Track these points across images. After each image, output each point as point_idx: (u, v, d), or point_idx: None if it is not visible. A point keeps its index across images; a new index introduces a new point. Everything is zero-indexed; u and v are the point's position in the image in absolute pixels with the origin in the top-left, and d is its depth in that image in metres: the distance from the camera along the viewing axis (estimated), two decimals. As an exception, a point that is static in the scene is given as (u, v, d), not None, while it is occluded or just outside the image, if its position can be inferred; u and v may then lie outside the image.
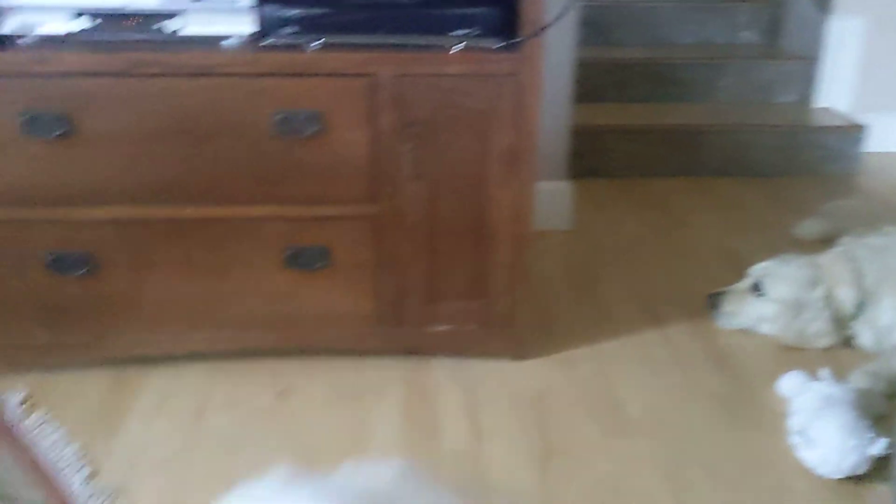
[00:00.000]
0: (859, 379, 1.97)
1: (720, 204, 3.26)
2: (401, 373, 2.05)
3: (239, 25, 1.80)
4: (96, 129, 1.76)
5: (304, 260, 1.93)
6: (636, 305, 2.44)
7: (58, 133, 1.75)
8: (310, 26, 1.78)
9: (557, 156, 2.89)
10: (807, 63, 3.84)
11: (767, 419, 1.89)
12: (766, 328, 2.26)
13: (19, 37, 1.77)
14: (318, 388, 1.99)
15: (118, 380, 2.02)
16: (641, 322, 2.35)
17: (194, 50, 1.73)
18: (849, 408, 1.72)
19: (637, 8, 4.06)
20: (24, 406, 1.92)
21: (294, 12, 1.77)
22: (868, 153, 3.90)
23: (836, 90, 3.85)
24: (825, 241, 2.72)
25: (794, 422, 1.78)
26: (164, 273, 1.92)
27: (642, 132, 3.52)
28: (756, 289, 2.28)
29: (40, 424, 1.86)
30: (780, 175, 3.59)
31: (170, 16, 1.78)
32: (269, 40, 1.79)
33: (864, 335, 2.19)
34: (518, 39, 1.74)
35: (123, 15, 1.76)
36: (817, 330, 2.18)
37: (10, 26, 1.76)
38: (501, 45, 1.76)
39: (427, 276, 1.97)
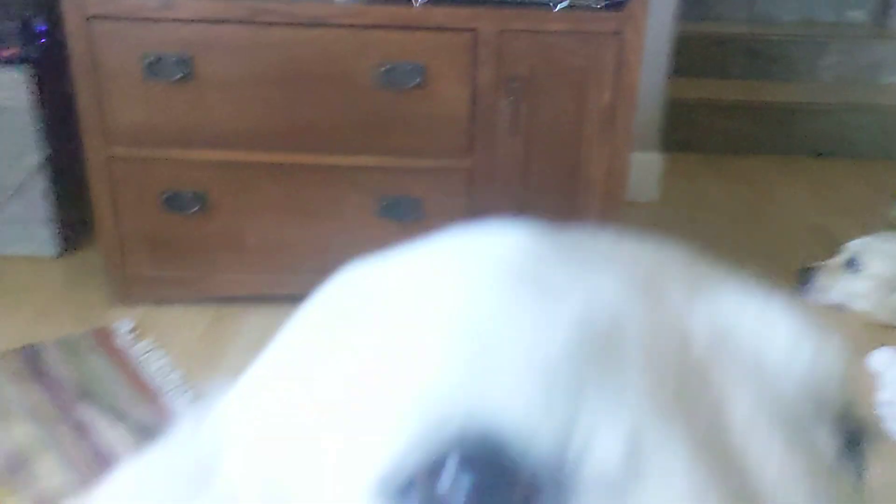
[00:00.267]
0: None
1: (814, 183, 3.20)
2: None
3: (350, -21, 1.87)
4: (214, 74, 1.86)
5: (398, 211, 1.99)
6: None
7: (178, 77, 1.86)
8: (418, -19, 1.83)
9: (650, 127, 2.89)
10: (916, 44, 3.71)
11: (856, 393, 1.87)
12: (858, 304, 2.23)
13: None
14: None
15: (220, 315, 2.13)
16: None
17: (310, 1, 1.81)
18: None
19: (739, -17, 3.98)
20: (133, 334, 2.05)
21: (403, -33, 1.83)
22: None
23: (947, 73, 3.71)
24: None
25: (883, 395, 1.76)
26: (267, 216, 2.01)
27: (737, 108, 3.47)
28: (851, 265, 2.24)
29: (148, 352, 1.99)
30: (881, 157, 3.49)
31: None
32: (378, -7, 1.85)
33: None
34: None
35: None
36: (912, 308, 2.14)
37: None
38: (606, 3, 1.78)
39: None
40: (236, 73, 1.85)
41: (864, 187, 3.19)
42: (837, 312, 2.25)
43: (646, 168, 2.93)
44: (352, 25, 1.80)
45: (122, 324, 2.07)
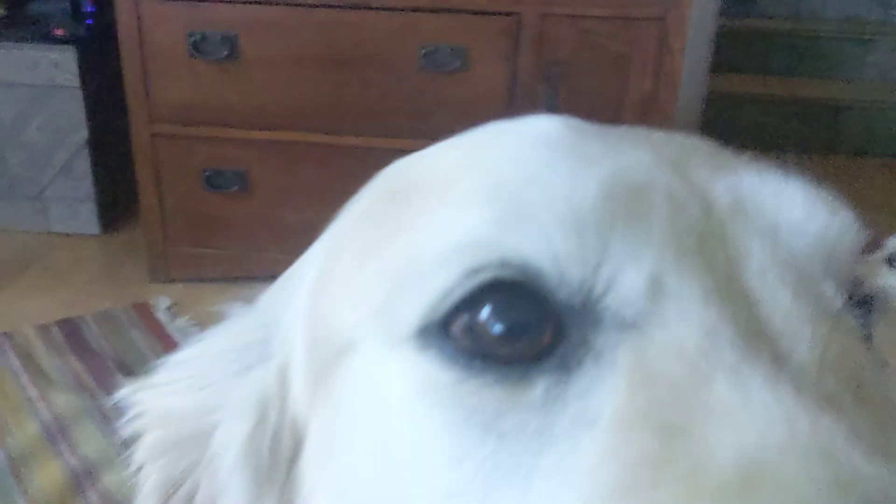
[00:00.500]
0: None
1: (855, 182, 3.15)
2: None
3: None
4: (257, 53, 1.88)
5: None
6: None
7: (222, 55, 1.88)
8: (461, -35, 1.84)
9: (691, 121, 2.86)
10: (966, 43, 3.63)
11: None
12: (899, 301, 2.19)
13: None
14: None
15: (257, 294, 2.16)
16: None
17: (353, -18, 1.83)
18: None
19: (784, -21, 3.93)
20: (171, 310, 2.09)
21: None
22: None
23: None
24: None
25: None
26: (306, 196, 2.03)
27: (780, 105, 3.43)
28: (892, 261, 2.21)
29: (185, 328, 2.02)
30: (927, 158, 3.43)
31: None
32: (422, -24, 1.86)
33: None
34: (666, -16, 1.75)
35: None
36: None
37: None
38: (650, -12, 1.78)
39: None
40: (280, 53, 1.87)
41: (908, 187, 3.13)
42: (878, 309, 2.21)
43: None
44: (395, 8, 1.81)
45: (161, 300, 2.11)
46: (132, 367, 1.86)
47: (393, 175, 0.41)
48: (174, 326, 2.02)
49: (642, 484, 0.27)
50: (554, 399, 0.30)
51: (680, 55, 1.78)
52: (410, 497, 0.32)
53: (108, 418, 1.68)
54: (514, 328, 0.31)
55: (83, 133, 2.34)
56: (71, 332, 1.98)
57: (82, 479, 1.54)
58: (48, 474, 1.56)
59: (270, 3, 1.83)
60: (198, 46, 1.87)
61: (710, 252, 0.32)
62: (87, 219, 2.43)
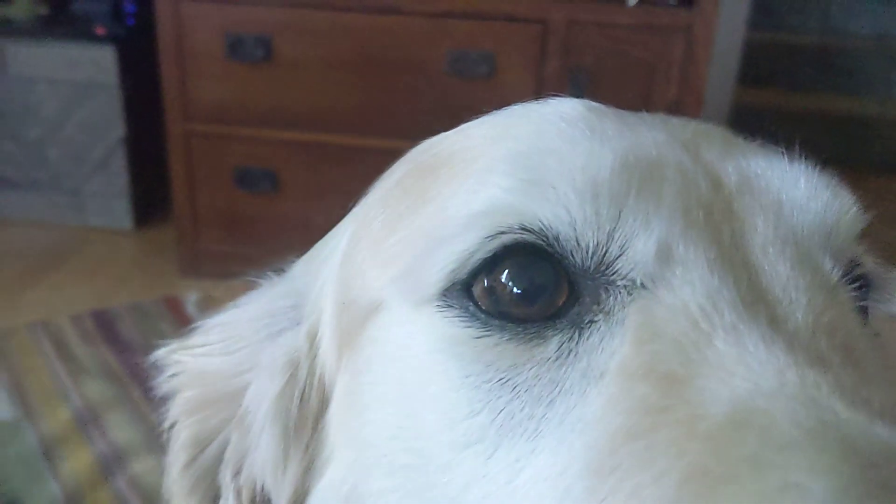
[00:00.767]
0: None
1: (883, 199, 3.13)
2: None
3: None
4: (291, 56, 1.93)
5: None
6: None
7: (258, 57, 1.93)
8: (491, -27, 1.88)
9: (716, 131, 2.88)
10: None
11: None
12: (921, 316, 2.19)
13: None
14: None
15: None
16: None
17: (385, -13, 1.87)
18: None
19: (814, -7, 3.93)
20: (200, 305, 2.13)
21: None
22: None
23: None
24: None
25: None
26: (335, 197, 2.07)
27: (807, 120, 3.42)
28: None
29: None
30: (955, 175, 3.40)
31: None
32: (453, -16, 1.91)
33: None
34: (694, -5, 1.77)
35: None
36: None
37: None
38: (678, 0, 1.80)
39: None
40: (312, 56, 1.92)
41: (935, 203, 3.12)
42: (900, 323, 2.21)
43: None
44: (425, 13, 1.85)
45: (191, 294, 2.16)
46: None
47: (423, 150, 0.44)
48: (202, 320, 2.07)
49: (642, 429, 0.29)
50: (566, 355, 0.33)
51: (705, 65, 1.80)
52: (429, 446, 0.35)
53: (137, 407, 1.73)
54: (532, 289, 0.34)
55: (120, 130, 2.40)
56: (103, 323, 2.03)
57: (112, 464, 1.59)
58: (79, 459, 1.60)
59: (305, 7, 1.88)
60: (234, 48, 1.93)
61: (717, 224, 0.35)
62: (121, 214, 2.49)
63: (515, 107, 0.42)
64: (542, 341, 0.34)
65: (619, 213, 0.34)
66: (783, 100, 3.56)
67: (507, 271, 0.34)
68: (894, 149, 3.41)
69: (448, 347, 0.35)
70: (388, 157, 1.90)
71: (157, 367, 0.47)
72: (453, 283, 0.35)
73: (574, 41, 1.84)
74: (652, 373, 0.31)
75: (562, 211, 0.34)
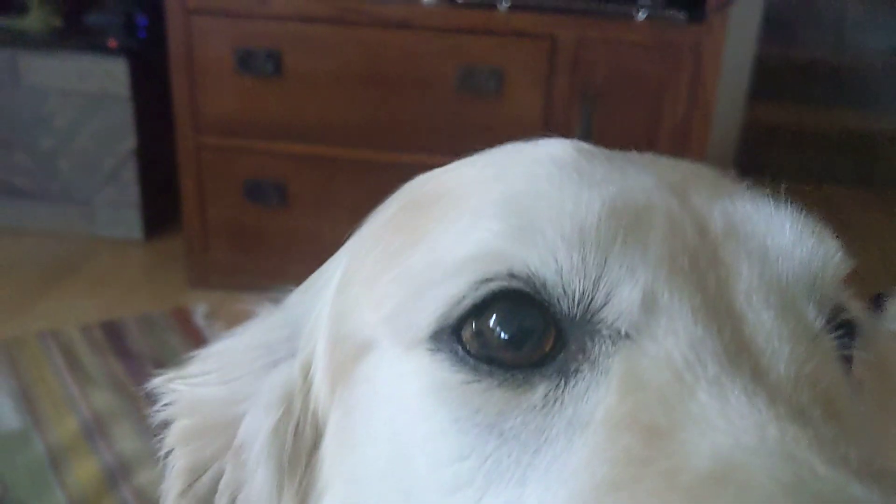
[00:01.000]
0: None
1: (893, 215, 3.12)
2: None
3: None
4: (301, 70, 1.94)
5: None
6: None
7: (268, 71, 1.95)
8: (500, -11, 1.89)
9: (727, 149, 2.87)
10: None
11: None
12: (932, 335, 2.18)
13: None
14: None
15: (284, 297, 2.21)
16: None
17: (396, 3, 1.88)
18: None
19: (826, 9, 3.92)
20: (209, 317, 2.14)
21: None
22: None
23: None
24: None
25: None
26: (343, 211, 2.08)
27: (819, 136, 3.41)
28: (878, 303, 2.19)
29: (221, 334, 2.07)
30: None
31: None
32: (463, -1, 1.92)
33: None
34: (704, 12, 1.77)
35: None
36: None
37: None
38: (687, 16, 1.80)
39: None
40: (322, 70, 1.93)
41: (948, 221, 3.10)
42: (910, 342, 2.19)
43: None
44: (435, 28, 1.86)
45: (200, 306, 2.17)
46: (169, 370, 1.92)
47: (415, 187, 0.44)
48: (211, 332, 2.08)
49: (625, 480, 0.30)
50: (552, 402, 0.34)
51: (714, 83, 1.80)
52: (418, 488, 0.36)
53: (144, 417, 1.73)
54: (519, 335, 0.35)
55: (131, 142, 2.42)
56: (112, 334, 2.04)
57: (117, 475, 1.60)
58: (85, 469, 1.61)
59: (315, 22, 1.89)
60: (244, 62, 1.94)
61: (702, 271, 0.35)
62: (131, 225, 2.51)
63: (507, 147, 0.42)
64: (529, 388, 0.34)
65: (606, 260, 0.35)
66: (795, 116, 3.55)
67: (495, 316, 0.35)
68: (906, 165, 3.39)
69: (438, 391, 0.35)
70: (396, 171, 1.91)
71: (155, 395, 0.47)
72: (443, 327, 0.36)
73: (583, 58, 1.84)
74: (636, 424, 0.31)
75: (549, 258, 0.35)
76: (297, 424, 0.43)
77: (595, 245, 0.35)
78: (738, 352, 0.33)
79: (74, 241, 2.49)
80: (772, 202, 0.40)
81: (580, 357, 0.34)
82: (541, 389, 0.34)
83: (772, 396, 0.31)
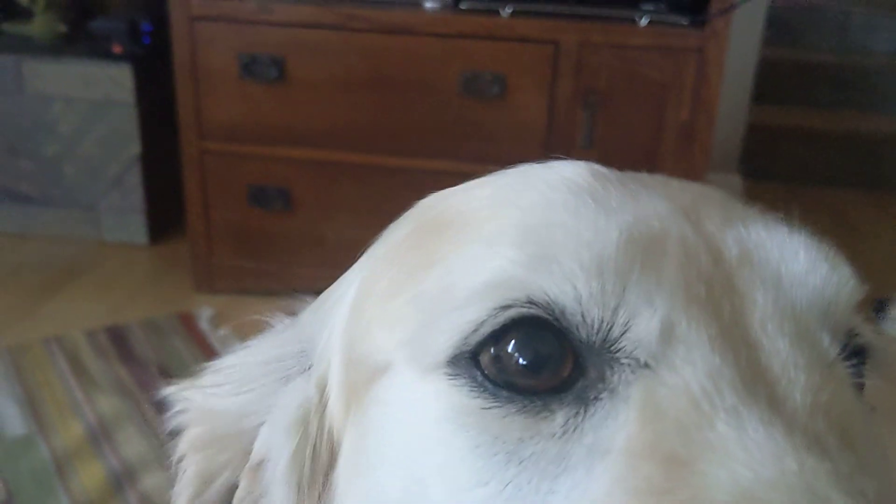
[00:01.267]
0: None
1: (900, 217, 3.12)
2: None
3: (438, -10, 1.94)
4: (304, 76, 1.95)
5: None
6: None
7: (272, 77, 1.95)
8: (504, -7, 1.89)
9: (731, 151, 2.87)
10: None
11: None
12: (937, 338, 2.17)
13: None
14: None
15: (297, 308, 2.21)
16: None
17: (399, 9, 1.88)
18: None
19: (829, 11, 3.92)
20: (214, 321, 2.15)
21: (490, -20, 1.89)
22: None
23: None
24: None
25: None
26: (346, 214, 2.09)
27: (823, 138, 3.41)
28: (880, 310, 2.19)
29: (226, 338, 2.08)
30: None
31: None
32: (465, 4, 1.92)
33: None
34: (707, 16, 1.77)
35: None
36: None
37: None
38: (690, 20, 1.81)
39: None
40: (325, 76, 1.93)
41: (953, 223, 3.09)
42: (915, 345, 2.19)
43: (725, 190, 2.90)
44: (438, 34, 1.87)
45: (204, 310, 2.17)
46: (174, 374, 1.91)
47: (428, 208, 0.44)
48: (215, 337, 2.08)
49: None
50: (572, 430, 0.34)
51: (717, 85, 1.80)
52: None
53: (148, 422, 1.74)
54: (537, 361, 0.35)
55: (136, 147, 2.43)
56: (117, 338, 2.05)
57: (123, 480, 1.60)
58: (91, 474, 1.62)
59: (317, 27, 1.90)
60: (248, 68, 1.95)
61: (718, 300, 0.35)
62: (136, 230, 2.52)
63: (519, 169, 0.42)
64: (549, 414, 0.34)
65: (624, 289, 0.35)
66: (799, 118, 3.55)
67: (513, 342, 0.35)
68: (911, 167, 3.39)
69: (456, 417, 0.35)
70: (400, 176, 1.94)
71: (165, 403, 0.48)
72: (461, 352, 0.36)
73: (586, 62, 1.84)
74: (656, 453, 0.32)
75: (568, 286, 0.35)
76: (314, 446, 0.44)
77: (613, 273, 0.35)
78: (754, 381, 0.33)
79: (79, 246, 2.50)
80: (784, 227, 0.40)
81: (599, 385, 0.35)
82: (560, 416, 0.34)
83: (789, 426, 0.31)
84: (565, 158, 0.41)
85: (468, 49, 1.87)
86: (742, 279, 0.37)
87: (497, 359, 0.35)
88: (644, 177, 0.43)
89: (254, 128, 2.02)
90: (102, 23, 2.40)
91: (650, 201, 0.38)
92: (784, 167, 3.46)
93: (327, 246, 2.14)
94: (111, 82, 2.35)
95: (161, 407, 0.49)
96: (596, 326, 0.35)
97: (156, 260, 2.47)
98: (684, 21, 1.81)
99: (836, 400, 0.34)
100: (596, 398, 0.34)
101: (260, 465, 0.45)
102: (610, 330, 0.35)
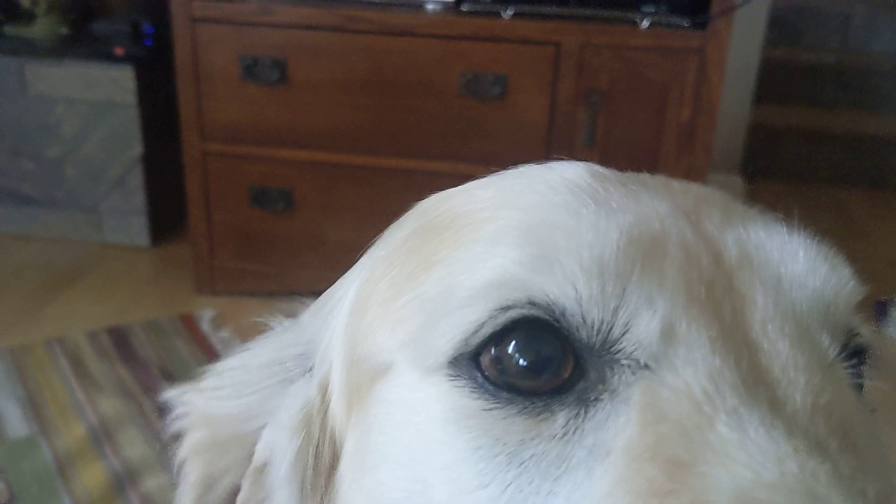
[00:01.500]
0: None
1: (902, 217, 3.11)
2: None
3: (440, -8, 1.94)
4: (306, 77, 1.95)
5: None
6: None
7: (273, 79, 1.96)
8: (505, -6, 1.89)
9: (733, 151, 2.87)
10: None
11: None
12: (939, 338, 2.17)
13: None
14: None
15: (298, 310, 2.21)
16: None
17: (400, 11, 1.89)
18: None
19: (831, 11, 3.91)
20: (215, 322, 2.15)
21: (491, -19, 1.89)
22: None
23: None
24: None
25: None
26: (348, 216, 2.09)
27: (825, 137, 3.40)
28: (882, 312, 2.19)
29: (227, 339, 2.08)
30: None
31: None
32: (467, 6, 1.92)
33: None
34: (708, 17, 1.77)
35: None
36: None
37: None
38: (691, 22, 1.81)
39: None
40: (327, 78, 1.93)
41: (956, 223, 3.09)
42: (917, 345, 2.19)
43: (726, 190, 2.90)
44: (440, 35, 1.87)
45: (206, 312, 2.18)
46: (175, 375, 1.93)
47: (428, 209, 0.44)
48: (217, 338, 2.08)
49: None
50: (573, 431, 0.34)
51: (719, 87, 1.80)
52: None
53: (150, 424, 1.74)
54: (538, 362, 0.35)
55: (138, 149, 2.43)
56: (119, 340, 2.05)
57: (124, 481, 1.60)
58: (92, 475, 1.62)
59: (318, 29, 1.90)
60: (249, 69, 1.95)
61: (718, 301, 0.35)
62: (138, 231, 2.52)
63: (520, 170, 0.42)
64: (549, 416, 0.34)
65: (624, 290, 0.35)
66: (801, 118, 3.55)
67: (514, 343, 0.35)
68: (913, 167, 3.38)
69: (458, 419, 0.36)
70: (401, 177, 1.93)
71: (166, 406, 0.48)
72: (462, 353, 0.36)
73: (587, 63, 1.85)
74: (658, 455, 0.32)
75: (569, 287, 0.35)
76: (317, 447, 0.44)
77: (614, 275, 0.35)
78: (755, 382, 0.33)
79: (81, 248, 2.50)
80: (784, 228, 0.40)
81: (600, 387, 0.35)
82: (561, 418, 0.34)
83: (789, 428, 0.31)
84: (566, 159, 0.41)
85: (469, 50, 1.87)
86: (742, 280, 0.37)
87: (498, 360, 0.35)
88: (644, 177, 0.43)
89: (255, 129, 2.02)
90: (104, 25, 2.41)
91: (650, 202, 0.38)
92: (786, 167, 3.45)
93: (329, 247, 2.14)
94: (113, 84, 2.35)
95: (163, 409, 0.49)
96: (596, 327, 0.35)
97: (157, 261, 2.47)
98: (685, 23, 1.81)
99: (837, 401, 0.34)
100: (596, 399, 0.34)
101: (263, 468, 0.45)
102: (610, 331, 0.35)
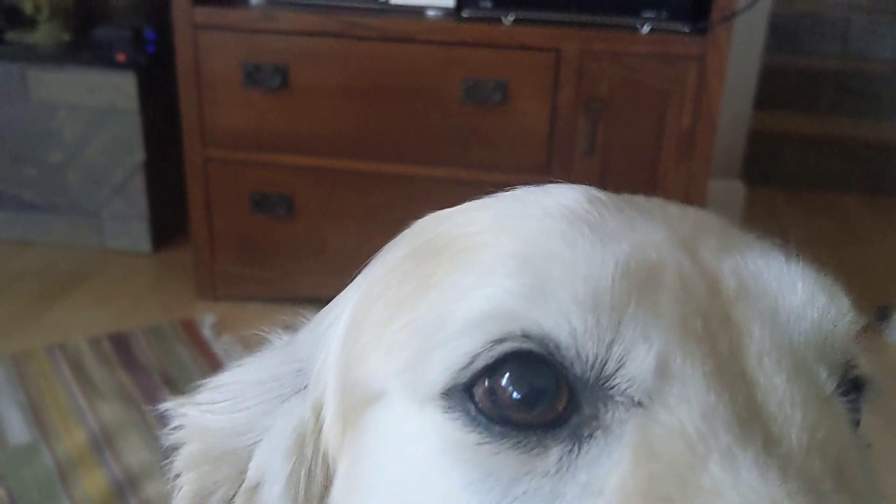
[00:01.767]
0: None
1: (903, 223, 3.11)
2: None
3: (441, -1, 1.95)
4: (307, 84, 1.95)
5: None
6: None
7: (275, 85, 1.96)
8: (505, 1, 1.89)
9: (734, 157, 2.87)
10: None
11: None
12: (939, 345, 2.17)
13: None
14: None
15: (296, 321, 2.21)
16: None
17: (401, 17, 1.89)
18: None
19: (831, 18, 3.92)
20: (216, 328, 2.15)
21: (492, -12, 1.90)
22: None
23: None
24: None
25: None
26: (349, 222, 2.09)
27: (825, 144, 3.41)
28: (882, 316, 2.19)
29: (228, 345, 2.08)
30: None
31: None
32: (467, 12, 1.92)
33: None
34: (708, 23, 1.78)
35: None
36: None
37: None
38: (691, 28, 1.81)
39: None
40: (328, 84, 1.94)
41: (956, 229, 3.09)
42: (917, 352, 2.19)
43: (727, 197, 2.91)
44: (441, 42, 1.87)
45: (207, 317, 2.18)
46: (176, 381, 1.93)
47: (423, 231, 0.44)
48: (218, 343, 2.09)
49: None
50: (566, 467, 0.34)
51: (719, 93, 1.80)
52: None
53: (151, 430, 1.74)
54: (531, 395, 0.35)
55: (139, 155, 2.44)
56: (120, 345, 2.05)
57: (125, 487, 1.60)
58: (93, 481, 1.62)
59: (320, 35, 1.91)
60: (251, 76, 1.95)
61: (714, 333, 0.35)
62: (139, 237, 2.52)
63: (516, 193, 0.42)
64: (543, 451, 0.34)
65: (619, 323, 0.34)
66: (801, 124, 3.55)
67: (507, 375, 0.35)
68: (913, 173, 3.38)
69: (450, 452, 0.35)
70: (402, 183, 1.94)
71: (165, 416, 0.48)
72: (455, 384, 0.36)
73: (587, 69, 1.85)
74: (649, 495, 0.32)
75: (563, 320, 0.34)
76: (309, 469, 0.44)
77: (609, 308, 0.34)
78: (749, 419, 0.33)
79: (83, 253, 2.50)
80: (781, 257, 0.39)
81: (594, 422, 0.34)
82: (555, 454, 0.34)
83: (784, 468, 0.31)
84: (563, 182, 0.41)
85: (470, 57, 1.88)
86: (739, 312, 0.36)
87: (491, 392, 0.35)
88: (641, 201, 0.42)
89: (257, 135, 2.03)
90: (106, 31, 2.41)
91: (647, 229, 0.38)
92: (786, 173, 3.46)
93: (330, 253, 2.14)
94: (115, 90, 2.36)
95: (163, 417, 0.49)
96: (590, 362, 0.34)
97: (159, 267, 2.48)
98: (686, 29, 1.81)
99: (832, 438, 0.33)
100: (590, 435, 0.34)
101: (255, 488, 0.45)
102: (604, 366, 0.34)
